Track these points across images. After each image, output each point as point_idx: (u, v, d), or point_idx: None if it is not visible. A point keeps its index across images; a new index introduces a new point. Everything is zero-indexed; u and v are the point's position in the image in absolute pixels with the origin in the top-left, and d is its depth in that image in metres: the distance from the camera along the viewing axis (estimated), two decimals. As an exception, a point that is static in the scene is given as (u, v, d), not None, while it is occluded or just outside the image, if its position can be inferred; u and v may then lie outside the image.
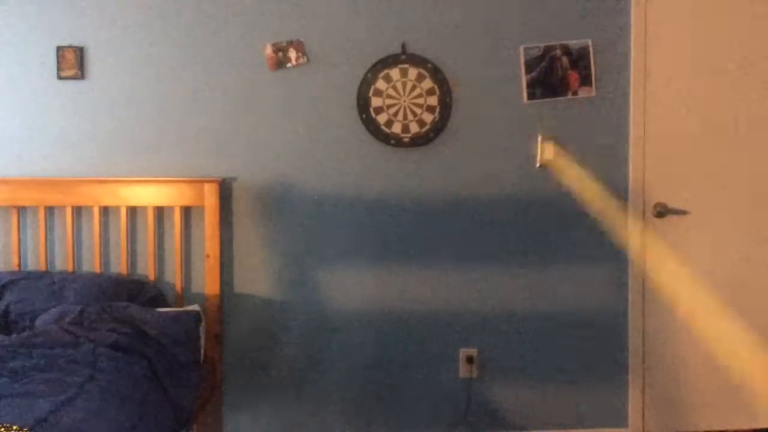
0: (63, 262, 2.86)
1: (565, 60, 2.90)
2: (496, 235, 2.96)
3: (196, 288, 2.90)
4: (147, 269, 2.85)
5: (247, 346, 2.94)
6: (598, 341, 3.00)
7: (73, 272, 2.82)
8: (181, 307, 2.78)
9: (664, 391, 3.03)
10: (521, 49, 2.90)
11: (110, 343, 2.21)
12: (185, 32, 2.86)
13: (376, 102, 2.88)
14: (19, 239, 2.83)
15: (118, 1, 2.84)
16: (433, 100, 2.89)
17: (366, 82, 2.88)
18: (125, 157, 2.87)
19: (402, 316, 2.96)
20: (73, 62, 2.84)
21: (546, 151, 2.93)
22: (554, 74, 2.91)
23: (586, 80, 2.92)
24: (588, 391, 3.02)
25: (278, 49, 2.87)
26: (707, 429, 3.04)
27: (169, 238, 2.88)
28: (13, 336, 2.30)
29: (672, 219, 2.98)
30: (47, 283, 2.65)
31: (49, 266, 2.86)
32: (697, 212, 2.99)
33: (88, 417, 1.79)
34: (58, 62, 2.84)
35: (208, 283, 2.81)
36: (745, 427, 3.05)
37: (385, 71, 2.88)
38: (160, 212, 2.88)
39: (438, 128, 2.91)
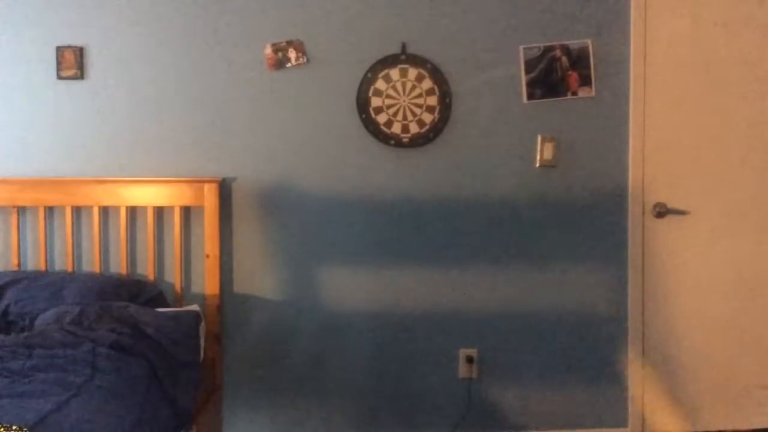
0: (63, 262, 2.86)
1: (564, 60, 2.90)
2: (495, 235, 2.96)
3: (195, 288, 2.90)
4: (147, 269, 2.85)
5: (246, 346, 2.94)
6: (598, 341, 3.00)
7: (73, 272, 2.82)
8: (181, 307, 2.78)
9: (664, 391, 3.03)
10: (521, 49, 2.90)
11: (110, 343, 2.20)
12: (185, 32, 2.86)
13: (375, 102, 2.88)
14: (19, 239, 2.83)
15: (118, 1, 2.84)
16: (432, 100, 2.89)
17: (366, 82, 2.88)
18: (125, 157, 2.87)
19: (402, 316, 2.96)
20: (73, 62, 2.84)
21: (546, 151, 2.93)
22: (554, 74, 2.91)
23: (585, 80, 2.92)
24: (588, 391, 3.02)
25: (278, 49, 2.87)
26: (707, 429, 3.04)
27: (168, 238, 2.88)
28: (13, 336, 2.30)
29: (672, 219, 2.98)
30: (47, 283, 2.65)
31: (48, 266, 2.86)
32: (697, 212, 2.99)
33: (87, 417, 1.79)
34: (58, 62, 2.84)
35: (207, 283, 2.81)
36: (745, 427, 3.05)
37: (385, 71, 2.88)
38: (160, 212, 2.88)
39: (438, 128, 2.91)
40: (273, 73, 2.88)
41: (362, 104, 2.89)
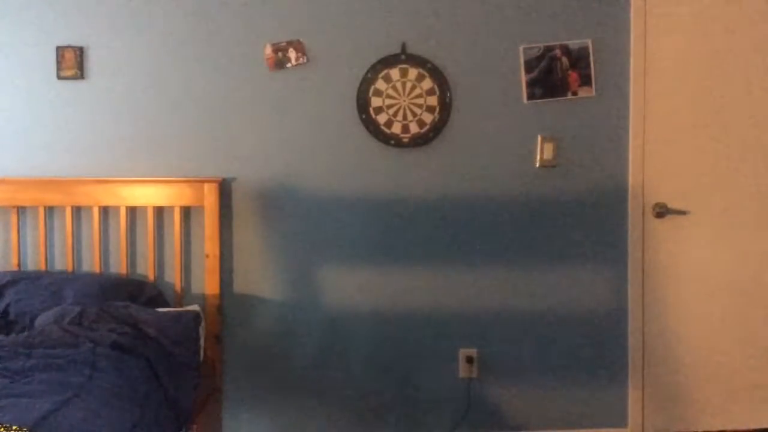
0: (63, 262, 2.86)
1: (564, 60, 2.90)
2: (495, 235, 2.96)
3: (196, 288, 2.90)
4: (147, 269, 2.85)
5: (246, 346, 2.94)
6: (598, 341, 3.00)
7: (73, 272, 2.82)
8: (181, 307, 2.78)
9: (664, 391, 3.03)
10: (521, 49, 2.90)
11: (110, 343, 2.20)
12: (185, 32, 2.86)
13: (375, 102, 2.88)
14: (19, 239, 2.83)
15: (118, 1, 2.84)
16: (432, 100, 2.89)
17: (366, 82, 2.88)
18: (125, 157, 2.87)
19: (402, 316, 2.96)
20: (73, 62, 2.84)
21: (546, 151, 2.93)
22: (554, 74, 2.91)
23: (585, 80, 2.92)
24: (588, 391, 3.02)
25: (278, 49, 2.87)
26: (707, 429, 3.04)
27: (168, 238, 2.88)
28: (13, 336, 2.30)
29: (672, 219, 2.98)
30: (47, 283, 2.65)
31: (48, 266, 2.86)
32: (697, 212, 2.99)
33: (87, 417, 1.79)
34: (58, 62, 2.84)
35: (207, 283, 2.81)
36: (745, 427, 3.05)
37: (385, 71, 2.88)
38: (160, 212, 2.88)
39: (438, 128, 2.91)
40: (273, 73, 2.88)
41: (362, 104, 2.88)
